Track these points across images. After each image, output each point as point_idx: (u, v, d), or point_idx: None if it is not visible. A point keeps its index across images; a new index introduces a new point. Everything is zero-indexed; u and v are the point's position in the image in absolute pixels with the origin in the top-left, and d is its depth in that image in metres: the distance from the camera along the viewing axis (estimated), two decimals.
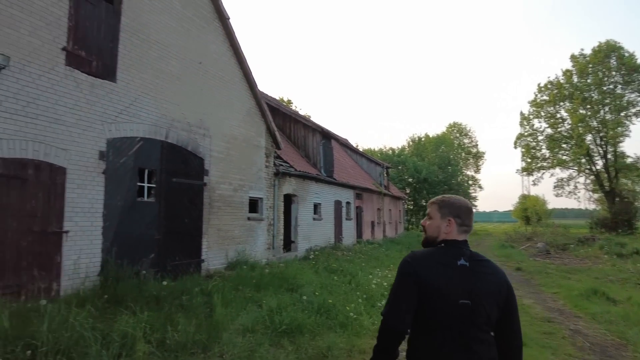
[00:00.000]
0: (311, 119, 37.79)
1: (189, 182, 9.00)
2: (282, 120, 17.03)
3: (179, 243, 8.60)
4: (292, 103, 38.76)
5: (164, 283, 6.83)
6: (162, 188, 8.28)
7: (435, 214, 1.98)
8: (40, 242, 6.01)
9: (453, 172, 45.81)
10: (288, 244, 13.77)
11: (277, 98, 38.16)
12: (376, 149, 49.50)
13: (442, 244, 1.91)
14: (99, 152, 7.02)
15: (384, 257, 14.79)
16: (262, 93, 17.33)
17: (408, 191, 44.24)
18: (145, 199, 7.98)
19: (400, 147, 52.66)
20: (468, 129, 55.12)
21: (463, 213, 1.94)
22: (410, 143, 53.87)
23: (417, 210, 46.05)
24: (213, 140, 9.89)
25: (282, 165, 13.05)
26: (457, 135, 54.67)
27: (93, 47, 7.12)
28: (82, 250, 6.58)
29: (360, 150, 34.74)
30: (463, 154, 53.61)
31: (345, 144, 27.03)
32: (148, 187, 8.07)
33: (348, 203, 19.04)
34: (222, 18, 10.33)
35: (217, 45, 10.23)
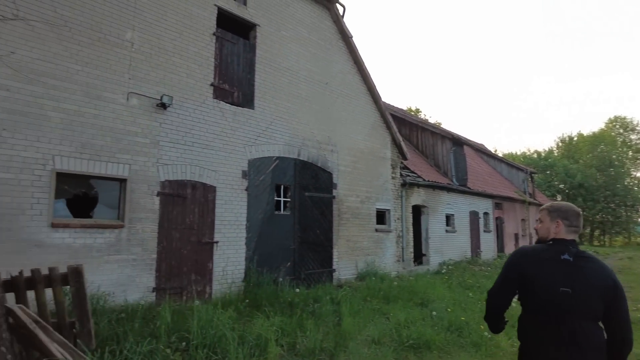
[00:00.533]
0: (441, 126, 36.43)
1: (319, 195, 9.52)
2: (408, 130, 16.83)
3: (312, 253, 9.13)
4: (420, 112, 37.92)
5: (297, 290, 7.31)
6: (295, 202, 8.93)
7: (545, 218, 2.31)
8: (197, 250, 7.04)
9: (617, 174, 38.91)
10: (419, 257, 13.43)
11: (404, 108, 37.83)
12: (518, 153, 45.07)
13: (551, 242, 2.23)
14: (242, 172, 7.94)
15: None
16: (387, 104, 17.41)
17: (559, 199, 39.11)
18: (282, 212, 8.70)
19: (547, 149, 47.00)
20: (635, 122, 46.25)
21: (571, 216, 2.24)
22: (560, 144, 47.61)
23: None
24: (340, 155, 10.31)
25: (409, 175, 12.86)
26: (621, 131, 46.35)
27: (234, 79, 8.14)
28: (229, 258, 7.49)
29: (499, 155, 32.07)
30: (630, 153, 45.14)
31: (480, 150, 25.30)
32: (284, 201, 8.79)
33: (486, 214, 17.73)
34: (345, 37, 10.78)
35: (341, 64, 10.70)
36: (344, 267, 9.97)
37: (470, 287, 9.67)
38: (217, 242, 7.34)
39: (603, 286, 2.06)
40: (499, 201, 18.91)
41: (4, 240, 5.11)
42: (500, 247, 18.52)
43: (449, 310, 7.09)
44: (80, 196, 6.11)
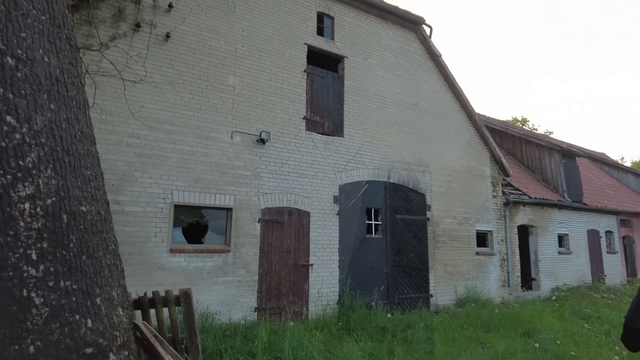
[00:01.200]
0: (552, 136, 33.23)
1: (412, 217, 9.46)
2: (511, 144, 15.79)
3: (406, 277, 9.07)
4: (527, 122, 35.09)
5: (389, 315, 7.32)
6: (387, 224, 9.00)
7: None
8: (294, 273, 7.50)
9: None
10: (528, 281, 12.39)
11: (509, 119, 35.35)
12: None
13: None
14: (333, 197, 8.30)
15: None
16: (485, 118, 16.59)
17: None
18: (373, 235, 8.84)
19: None
20: None
21: None
22: None
23: None
24: (433, 176, 10.14)
25: (512, 193, 12.06)
26: None
27: (324, 110, 8.62)
28: (324, 281, 7.83)
29: (626, 165, 28.15)
30: None
31: (600, 160, 22.54)
32: (375, 224, 8.92)
33: (609, 232, 15.71)
34: (434, 56, 10.70)
35: (430, 83, 10.61)
36: (442, 292, 9.67)
37: (587, 317, 8.67)
38: (312, 265, 7.74)
39: None
40: (625, 217, 16.60)
41: (135, 264, 6.09)
42: (632, 271, 16.15)
43: (558, 342, 6.50)
44: (193, 224, 7.00)
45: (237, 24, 7.75)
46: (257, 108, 7.69)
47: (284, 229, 7.56)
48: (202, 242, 6.93)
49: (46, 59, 2.44)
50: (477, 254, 10.66)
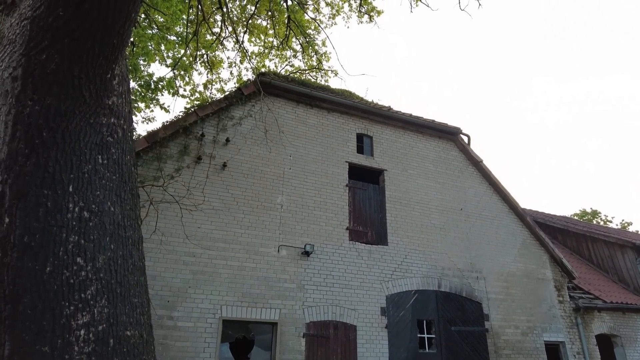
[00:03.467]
0: (630, 228, 30.46)
1: (468, 329, 8.92)
2: (575, 242, 14.82)
3: None
4: (599, 214, 32.78)
5: None
6: (442, 337, 8.54)
7: None
8: None
9: None
10: None
11: (578, 212, 33.27)
12: None
13: None
14: (380, 309, 8.20)
15: None
16: (542, 215, 15.97)
17: None
18: (427, 350, 8.38)
19: None
20: None
21: None
22: None
23: None
24: (488, 282, 9.72)
25: (581, 297, 11.04)
26: None
27: (367, 220, 8.97)
28: None
29: None
30: None
31: None
32: (428, 337, 8.51)
33: None
34: (475, 162, 11.00)
35: (475, 188, 10.75)
36: None
37: None
38: None
39: None
40: None
41: None
42: None
43: None
44: (240, 340, 7.17)
45: (284, 150, 8.72)
46: (302, 222, 8.23)
47: (330, 344, 7.47)
48: (248, 358, 7.01)
49: (112, 209, 3.10)
50: None
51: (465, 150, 11.00)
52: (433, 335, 8.54)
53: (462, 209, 10.27)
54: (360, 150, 9.68)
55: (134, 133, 3.84)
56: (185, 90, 10.71)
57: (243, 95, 8.66)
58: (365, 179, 9.67)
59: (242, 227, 7.68)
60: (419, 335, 8.38)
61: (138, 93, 8.84)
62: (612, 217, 34.46)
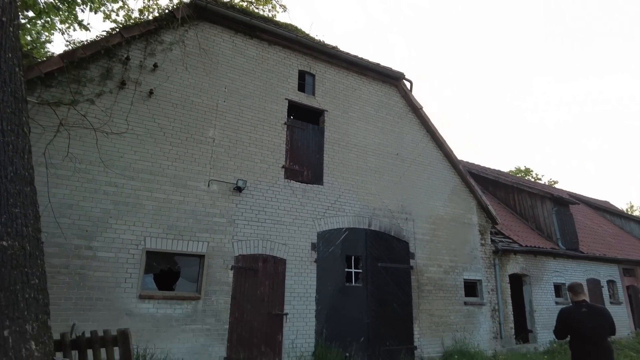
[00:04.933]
0: (557, 185, 33.05)
1: (394, 266, 9.40)
2: (504, 192, 15.82)
3: (389, 328, 8.86)
4: (531, 172, 35.10)
5: None
6: (368, 273, 8.95)
7: (569, 292, 5.01)
8: (267, 322, 7.42)
9: None
10: (524, 333, 11.92)
11: (513, 169, 35.43)
12: None
13: (575, 303, 4.81)
14: (311, 244, 8.37)
15: None
16: (478, 167, 16.78)
17: None
18: (353, 283, 8.77)
19: None
20: None
21: (573, 288, 4.95)
22: None
23: None
24: (416, 223, 10.18)
25: (502, 241, 11.94)
26: None
27: (304, 160, 8.91)
28: (299, 331, 7.70)
29: (634, 214, 27.66)
30: None
31: (602, 208, 22.25)
32: (355, 272, 8.88)
33: (611, 282, 15.21)
34: (415, 109, 11.11)
35: (412, 134, 10.94)
36: (427, 344, 9.37)
37: None
38: (286, 314, 7.66)
39: (606, 320, 4.64)
40: (629, 267, 16.12)
41: (102, 309, 6.15)
42: (638, 322, 15.41)
43: None
44: (165, 271, 7.09)
45: (219, 82, 8.27)
46: (236, 158, 8.01)
47: (258, 276, 7.58)
48: (173, 289, 6.98)
49: None
50: (466, 303, 10.41)
51: (406, 96, 11.04)
52: (360, 270, 8.91)
53: (398, 154, 10.47)
54: (301, 88, 9.41)
55: (18, 31, 3.36)
56: (118, 15, 9.71)
57: (175, 18, 7.97)
58: (305, 119, 9.50)
59: (169, 159, 7.35)
60: (346, 269, 8.72)
61: (51, 5, 7.85)
62: (542, 176, 37.06)
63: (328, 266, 8.46)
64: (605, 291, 14.57)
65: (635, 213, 36.22)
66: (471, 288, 10.95)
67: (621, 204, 45.14)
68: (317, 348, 7.69)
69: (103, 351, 3.66)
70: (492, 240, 11.74)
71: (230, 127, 8.13)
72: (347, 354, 7.85)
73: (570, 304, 4.96)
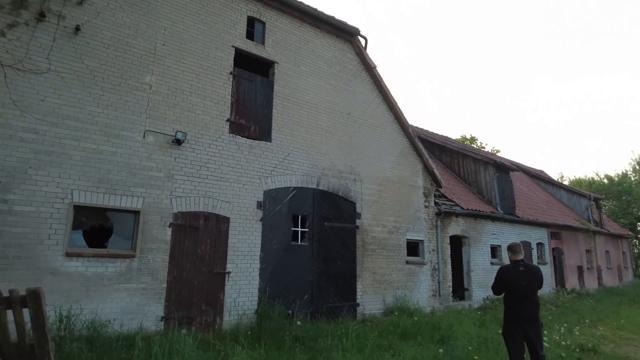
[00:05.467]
0: (499, 154, 34.68)
1: (341, 225, 9.39)
2: (449, 157, 16.26)
3: (333, 285, 8.93)
4: (476, 140, 36.49)
5: (298, 324, 7.08)
6: (314, 232, 8.87)
7: (508, 253, 5.35)
8: (208, 281, 7.18)
9: None
10: (461, 292, 12.61)
11: (459, 137, 36.64)
12: (586, 178, 41.54)
13: (514, 262, 5.15)
14: (257, 203, 8.09)
15: (589, 310, 11.95)
16: (426, 132, 17.04)
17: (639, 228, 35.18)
18: (299, 242, 8.67)
19: (621, 172, 42.82)
20: None
21: (512, 248, 5.24)
22: (636, 167, 43.18)
23: None
24: (364, 184, 10.16)
25: (444, 204, 12.31)
26: None
27: (251, 114, 8.45)
28: (241, 289, 7.55)
29: (562, 182, 29.75)
30: None
31: (537, 176, 23.70)
32: (301, 231, 8.77)
33: (540, 244, 16.38)
34: (369, 68, 10.84)
35: (364, 94, 10.72)
36: (370, 301, 9.61)
37: None
38: (229, 273, 7.45)
39: (537, 277, 5.03)
40: (555, 230, 17.41)
41: (21, 268, 5.59)
42: (560, 281, 16.87)
43: (470, 348, 6.54)
44: (96, 228, 6.55)
45: (158, 23, 7.49)
46: (175, 108, 7.42)
47: (199, 234, 7.24)
48: (105, 247, 6.49)
49: None
50: (408, 263, 10.73)
51: (361, 54, 10.72)
52: (307, 230, 8.82)
53: (350, 114, 10.26)
54: (250, 36, 8.78)
55: None
56: None
57: None
58: (254, 70, 8.95)
59: (100, 105, 6.64)
60: (293, 228, 8.58)
61: None
62: (486, 144, 38.65)
63: (274, 225, 8.26)
64: (534, 252, 15.68)
65: (565, 183, 39.02)
66: (413, 248, 11.29)
67: (554, 174, 48.45)
68: (260, 306, 7.59)
69: (10, 313, 3.24)
70: (436, 203, 12.07)
71: (170, 73, 7.46)
72: (290, 311, 7.84)
73: (508, 263, 5.30)
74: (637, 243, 35.32)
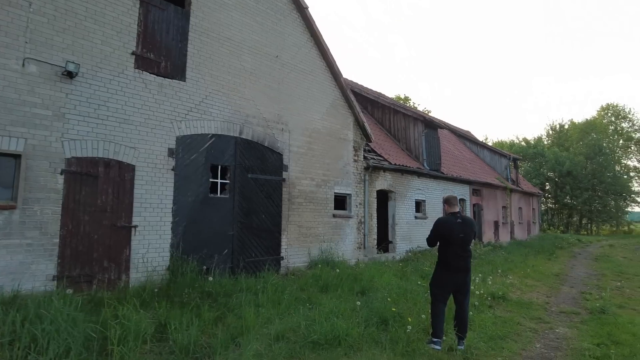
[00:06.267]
0: (431, 114, 35.64)
1: (266, 177, 8.86)
2: (381, 113, 16.13)
3: (255, 239, 8.51)
4: (409, 100, 37.07)
5: (210, 279, 6.62)
6: (236, 184, 8.27)
7: (444, 205, 5.39)
8: (110, 235, 6.39)
9: (606, 162, 38.31)
10: (386, 244, 12.85)
11: (393, 96, 36.98)
12: (507, 141, 44.44)
13: (450, 214, 5.08)
14: (168, 149, 7.26)
15: (502, 261, 12.76)
16: (360, 86, 16.69)
17: (548, 187, 38.65)
18: (219, 195, 8.04)
19: (536, 136, 46.36)
20: (627, 110, 45.55)
21: (449, 200, 5.21)
22: (550, 132, 46.92)
23: (559, 209, 39.84)
24: (292, 135, 9.63)
25: (373, 158, 12.21)
26: (612, 119, 45.64)
27: (162, 48, 7.41)
28: (151, 244, 6.85)
29: (488, 143, 31.39)
30: (621, 141, 44.52)
31: (464, 136, 24.65)
32: (221, 183, 8.13)
33: (462, 200, 17.15)
34: (300, 8, 10.01)
35: (295, 37, 9.95)
36: (294, 254, 9.36)
37: (425, 275, 9.07)
38: (135, 227, 6.69)
39: (473, 229, 5.03)
40: (477, 187, 18.32)
41: None
42: (478, 235, 17.96)
43: (389, 300, 6.51)
44: None
45: None
46: (66, 33, 6.21)
47: (99, 183, 6.34)
48: None
49: None
50: (335, 216, 10.58)
51: None
52: (227, 181, 8.19)
53: (278, 57, 9.48)
54: None
55: None
56: None
57: None
58: None
59: None
60: (211, 180, 7.90)
61: None
62: (419, 104, 39.46)
63: (189, 175, 7.52)
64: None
65: (489, 144, 41.41)
66: (341, 202, 11.13)
67: (480, 136, 51.21)
68: (172, 262, 6.99)
69: None
70: (365, 157, 11.91)
71: None
72: (205, 267, 7.32)
73: (444, 216, 5.20)
74: (544, 201, 38.84)
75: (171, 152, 7.28)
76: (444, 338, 4.87)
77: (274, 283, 6.72)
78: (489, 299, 7.35)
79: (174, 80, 7.48)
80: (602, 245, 22.67)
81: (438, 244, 5.11)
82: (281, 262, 9.01)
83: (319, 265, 8.76)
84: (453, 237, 4.85)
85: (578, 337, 5.58)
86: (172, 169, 7.27)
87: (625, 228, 41.71)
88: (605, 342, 5.19)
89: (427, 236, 5.21)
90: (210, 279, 6.44)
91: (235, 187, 8.26)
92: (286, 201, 9.31)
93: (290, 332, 4.69)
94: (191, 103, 7.69)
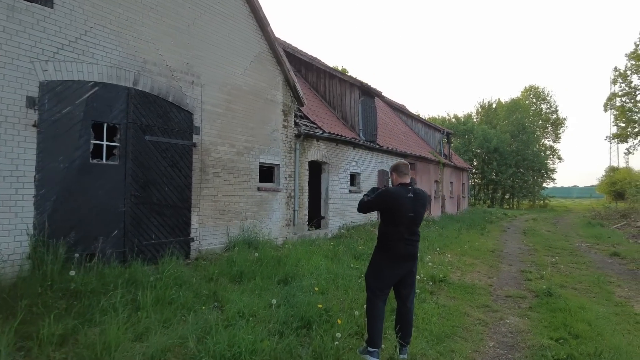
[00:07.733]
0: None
1: (170, 141, 7.20)
2: (316, 77, 14.77)
3: (156, 217, 6.90)
4: (347, 72, 35.96)
5: (72, 274, 4.98)
6: (129, 148, 6.54)
7: (392, 174, 4.12)
8: None
9: (527, 141, 40.53)
10: (318, 220, 11.76)
11: (332, 66, 35.66)
12: (439, 117, 45.34)
13: (400, 185, 3.92)
14: (27, 98, 5.35)
15: (435, 237, 12.24)
16: (294, 47, 15.11)
17: (476, 163, 40.10)
18: (104, 161, 6.29)
19: (467, 113, 47.82)
20: (546, 92, 48.42)
21: (398, 167, 4.05)
22: (479, 109, 48.64)
23: (485, 185, 41.67)
24: (206, 90, 7.97)
25: (305, 125, 10.88)
26: (534, 100, 48.32)
27: None
28: (2, 226, 5.03)
29: (421, 117, 31.36)
30: (540, 121, 47.39)
31: (399, 109, 24.12)
32: (109, 146, 6.37)
33: None
34: None
35: None
36: (208, 234, 7.89)
37: (359, 255, 8.09)
38: None
39: (425, 205, 3.91)
40: (411, 161, 17.79)
41: None
42: None
43: (316, 289, 5.35)
44: None
45: None
46: None
47: None
48: None
49: None
50: (260, 190, 9.18)
51: None
52: (117, 144, 6.44)
53: None
54: None
55: None
56: None
57: None
58: None
59: None
60: (93, 141, 6.10)
61: None
62: (357, 75, 38.43)
63: (61, 134, 5.68)
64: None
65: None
66: (267, 173, 9.76)
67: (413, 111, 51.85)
68: (33, 248, 5.23)
69: None
70: (296, 124, 10.55)
71: None
72: (86, 253, 5.65)
73: (393, 186, 3.98)
74: (472, 176, 40.31)
75: (32, 102, 5.38)
76: (383, 346, 3.78)
77: (172, 273, 5.24)
78: (430, 283, 6.49)
79: (37, 5, 5.49)
80: (527, 220, 23.62)
81: (380, 221, 3.94)
82: (191, 244, 7.50)
83: (236, 248, 7.38)
84: (401, 215, 3.71)
85: (532, 329, 4.82)
86: (34, 125, 5.38)
87: (541, 202, 44.88)
88: (564, 337, 4.44)
89: (360, 200, 4.03)
90: (72, 272, 4.77)
91: (128, 151, 6.53)
92: (198, 171, 7.73)
93: (172, 351, 3.31)
94: (63, 39, 5.75)
